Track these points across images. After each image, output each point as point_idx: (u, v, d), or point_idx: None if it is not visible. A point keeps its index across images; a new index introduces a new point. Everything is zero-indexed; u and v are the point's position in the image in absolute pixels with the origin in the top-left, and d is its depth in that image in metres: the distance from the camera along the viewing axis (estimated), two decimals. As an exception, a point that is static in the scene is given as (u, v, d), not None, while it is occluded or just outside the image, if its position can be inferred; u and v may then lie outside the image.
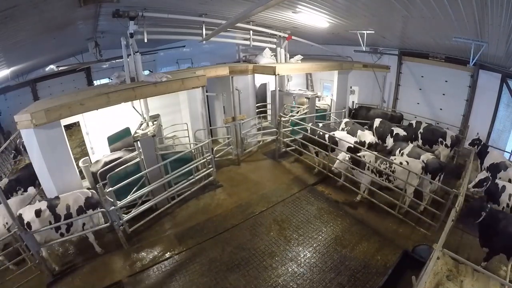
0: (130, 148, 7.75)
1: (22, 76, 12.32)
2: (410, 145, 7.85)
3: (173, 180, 7.32)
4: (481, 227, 4.96)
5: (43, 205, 5.60)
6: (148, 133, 7.14)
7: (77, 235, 5.94)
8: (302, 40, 11.63)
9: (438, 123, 9.69)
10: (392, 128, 9.09)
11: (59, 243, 6.05)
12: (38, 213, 5.45)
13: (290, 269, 5.66)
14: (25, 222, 5.36)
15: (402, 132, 8.93)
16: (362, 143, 8.65)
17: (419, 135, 8.75)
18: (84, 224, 5.94)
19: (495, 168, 6.75)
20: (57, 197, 5.79)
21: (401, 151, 7.73)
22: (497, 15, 5.15)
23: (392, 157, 7.31)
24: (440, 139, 8.45)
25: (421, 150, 7.73)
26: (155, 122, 7.99)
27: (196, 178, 7.89)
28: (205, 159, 8.12)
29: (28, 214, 5.43)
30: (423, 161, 6.94)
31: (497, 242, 4.76)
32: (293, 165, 9.62)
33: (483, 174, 5.92)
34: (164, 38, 9.08)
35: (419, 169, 6.66)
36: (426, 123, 9.08)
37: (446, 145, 8.38)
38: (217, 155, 9.44)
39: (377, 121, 9.59)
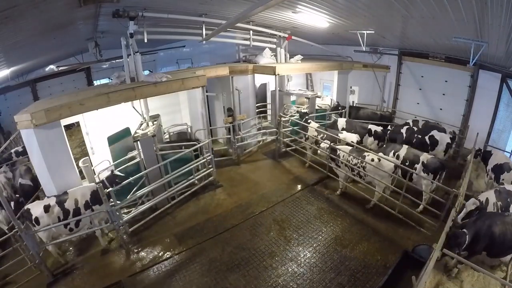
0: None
1: (22, 76, 12.31)
2: (405, 147, 7.58)
3: (173, 180, 7.33)
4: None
5: (52, 200, 5.63)
6: (148, 133, 7.14)
7: (84, 233, 6.00)
8: (302, 40, 11.63)
9: (438, 123, 9.67)
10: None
11: (59, 243, 6.07)
12: (47, 208, 5.49)
13: (290, 269, 5.66)
14: (33, 217, 5.42)
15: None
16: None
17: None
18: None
19: (499, 169, 6.73)
20: (65, 193, 5.83)
21: (396, 153, 7.51)
22: (497, 15, 5.15)
23: (365, 153, 7.32)
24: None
25: (417, 150, 7.55)
26: (155, 122, 7.99)
27: (196, 178, 7.90)
28: (205, 159, 8.12)
29: (36, 209, 5.48)
30: (423, 162, 6.94)
31: (479, 244, 4.60)
32: (293, 165, 9.62)
33: (473, 203, 5.27)
34: (164, 38, 9.07)
35: (391, 168, 6.82)
36: (423, 120, 9.02)
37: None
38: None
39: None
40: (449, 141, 8.41)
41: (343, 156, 7.56)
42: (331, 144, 7.95)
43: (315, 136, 9.02)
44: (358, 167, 7.27)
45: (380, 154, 7.30)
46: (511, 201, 5.26)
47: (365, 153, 7.30)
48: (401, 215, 6.66)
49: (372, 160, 7.06)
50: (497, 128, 8.88)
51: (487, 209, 5.33)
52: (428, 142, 8.51)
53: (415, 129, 9.07)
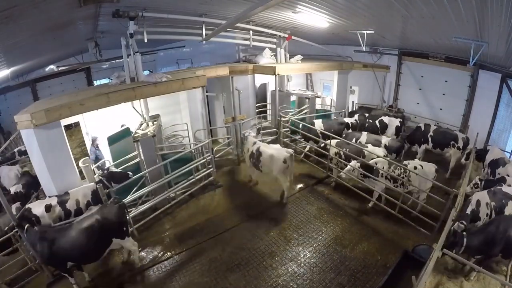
0: None
1: (22, 76, 12.29)
2: (364, 133, 7.99)
3: (173, 180, 7.33)
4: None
5: (53, 200, 5.63)
6: (148, 133, 7.14)
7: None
8: (302, 40, 11.63)
9: (438, 123, 9.68)
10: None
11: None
12: (48, 208, 5.49)
13: (290, 269, 5.66)
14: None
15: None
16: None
17: (429, 138, 8.57)
18: None
19: (494, 164, 6.83)
20: (66, 193, 5.83)
21: (357, 140, 7.91)
22: (497, 15, 5.15)
23: (405, 162, 6.84)
24: (452, 142, 8.19)
25: (376, 135, 7.90)
26: (155, 122, 7.99)
27: (196, 178, 7.90)
28: (205, 159, 8.12)
29: (37, 209, 5.47)
30: (385, 144, 7.56)
31: (495, 248, 4.62)
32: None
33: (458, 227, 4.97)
34: (164, 38, 9.07)
35: (433, 172, 6.58)
36: (435, 125, 8.85)
37: (458, 148, 8.13)
38: (217, 155, 9.43)
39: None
40: (398, 124, 9.35)
41: (383, 168, 6.94)
42: (360, 160, 7.36)
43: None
44: (402, 177, 6.69)
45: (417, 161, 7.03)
46: (506, 203, 5.26)
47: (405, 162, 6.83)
48: (401, 215, 6.66)
49: (415, 168, 6.61)
50: (497, 128, 8.88)
51: (480, 210, 5.31)
52: (378, 126, 9.53)
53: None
